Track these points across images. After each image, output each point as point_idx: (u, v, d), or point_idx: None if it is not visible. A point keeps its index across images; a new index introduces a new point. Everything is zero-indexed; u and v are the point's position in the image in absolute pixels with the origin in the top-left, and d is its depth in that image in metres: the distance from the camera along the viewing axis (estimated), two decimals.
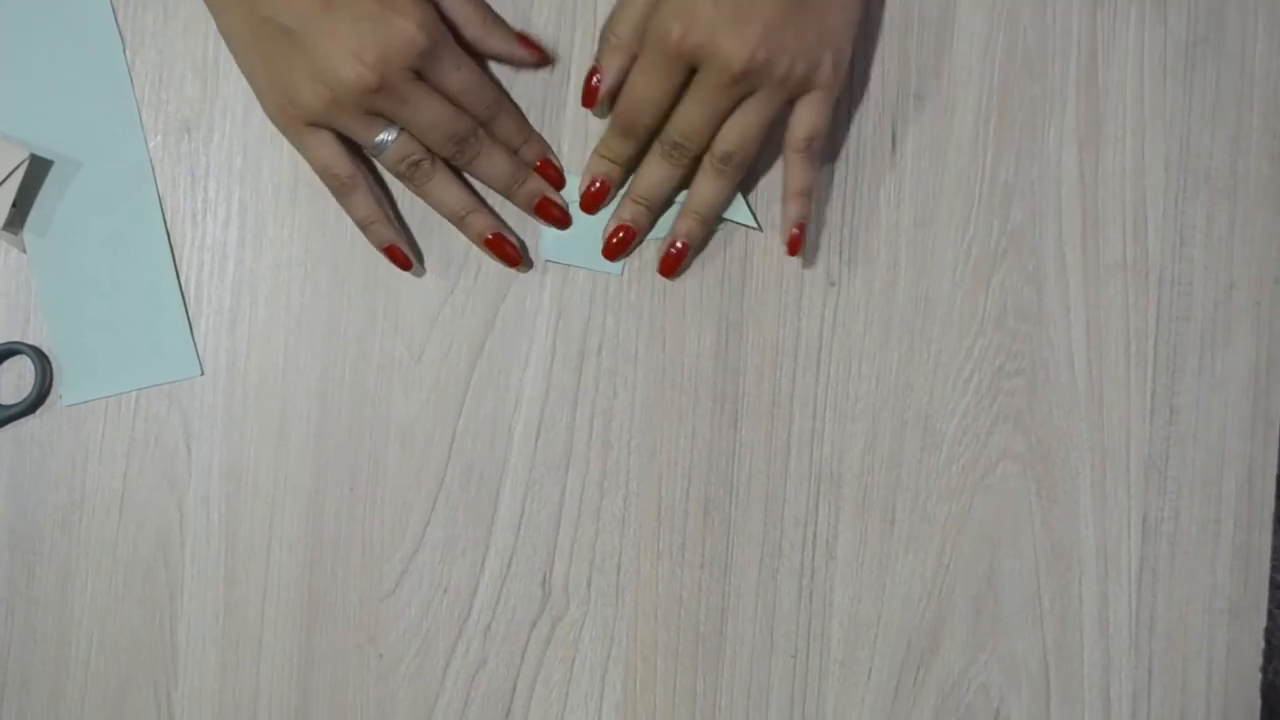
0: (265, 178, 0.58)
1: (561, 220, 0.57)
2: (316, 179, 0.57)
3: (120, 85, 0.58)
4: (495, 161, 0.56)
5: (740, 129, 0.53)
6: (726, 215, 0.57)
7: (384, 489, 0.58)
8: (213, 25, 0.57)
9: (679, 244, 0.57)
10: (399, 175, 0.55)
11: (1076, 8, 0.58)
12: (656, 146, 0.55)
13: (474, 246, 0.58)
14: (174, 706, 0.58)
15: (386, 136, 0.53)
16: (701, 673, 0.58)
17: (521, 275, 0.58)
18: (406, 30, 0.51)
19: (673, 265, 0.57)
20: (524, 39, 0.57)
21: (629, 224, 0.57)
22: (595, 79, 0.55)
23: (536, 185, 0.57)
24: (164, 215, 0.58)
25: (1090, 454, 0.57)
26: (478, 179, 0.57)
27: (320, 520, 0.58)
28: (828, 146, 0.57)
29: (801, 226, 0.56)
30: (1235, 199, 0.57)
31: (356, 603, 0.58)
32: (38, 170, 0.58)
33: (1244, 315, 0.57)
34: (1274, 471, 0.58)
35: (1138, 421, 0.57)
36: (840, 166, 0.58)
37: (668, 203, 0.57)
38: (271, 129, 0.58)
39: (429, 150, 0.54)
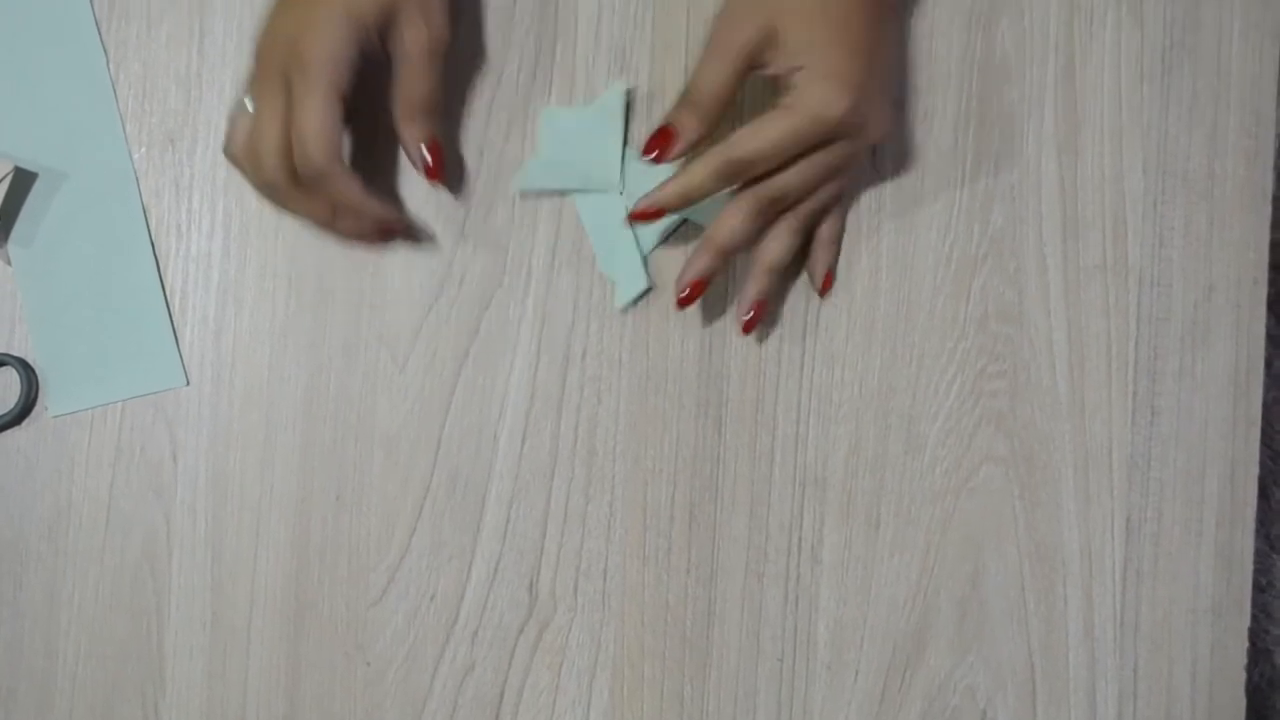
0: (249, 188, 0.58)
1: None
2: None
3: (104, 97, 0.59)
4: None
5: (823, 194, 0.55)
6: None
7: (370, 497, 0.58)
8: (196, 37, 0.57)
9: (760, 301, 0.56)
10: None
11: (1053, 13, 0.58)
12: (750, 198, 0.53)
13: (459, 255, 0.58)
14: (162, 716, 0.58)
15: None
16: (688, 677, 0.58)
17: (505, 283, 0.58)
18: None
19: (754, 326, 0.56)
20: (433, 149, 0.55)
21: (705, 277, 0.54)
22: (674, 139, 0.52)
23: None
24: (148, 226, 0.59)
25: (1073, 455, 0.58)
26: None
27: (306, 529, 0.58)
28: None
29: (831, 272, 0.57)
30: (1213, 201, 0.58)
31: (343, 610, 0.58)
32: (22, 182, 0.58)
33: (1223, 316, 0.58)
34: (1256, 472, 0.58)
35: (1119, 423, 0.58)
36: None
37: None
38: None
39: None
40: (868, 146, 0.55)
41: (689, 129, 0.52)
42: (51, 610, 0.58)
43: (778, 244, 0.54)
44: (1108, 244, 0.58)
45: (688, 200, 0.52)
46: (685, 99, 0.52)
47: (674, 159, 0.52)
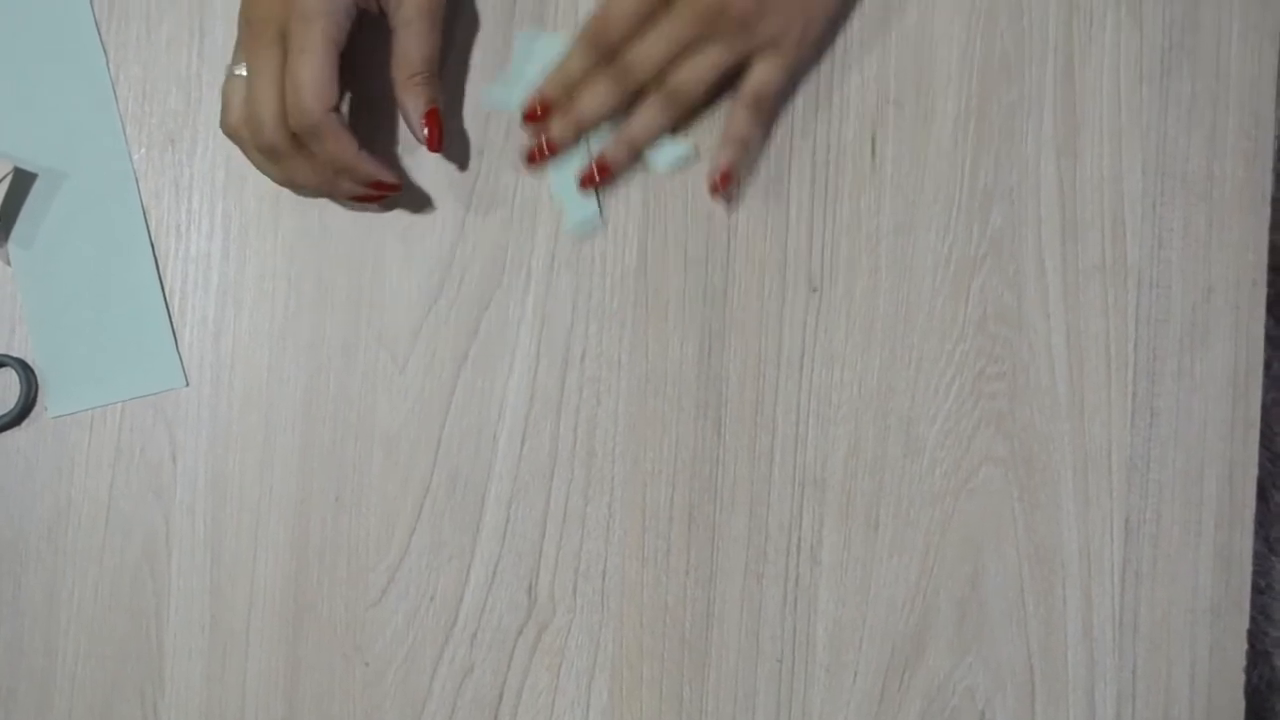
0: (249, 189, 0.59)
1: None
2: None
3: (104, 98, 0.59)
4: None
5: (693, 67, 0.54)
6: (664, 160, 0.58)
7: (369, 498, 0.58)
8: (196, 38, 0.57)
9: (604, 164, 0.57)
10: None
11: (1053, 13, 0.58)
12: (604, 69, 0.55)
13: (458, 256, 0.58)
14: (161, 716, 0.58)
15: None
16: (687, 678, 0.58)
17: (505, 284, 0.58)
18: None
19: (590, 183, 0.57)
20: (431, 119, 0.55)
21: (554, 140, 0.57)
22: None
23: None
24: (148, 227, 0.59)
25: (1072, 456, 0.58)
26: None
27: (305, 530, 0.58)
28: (780, 112, 0.57)
29: (728, 171, 0.56)
30: (1212, 202, 0.58)
31: (342, 611, 0.58)
32: (22, 183, 0.58)
33: (1222, 317, 0.58)
34: (1255, 473, 0.58)
35: (1118, 424, 0.58)
36: (820, 173, 0.58)
37: (594, 127, 0.57)
38: None
39: None
40: (776, 50, 0.55)
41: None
42: (51, 610, 0.58)
43: (638, 117, 0.56)
44: (1107, 245, 0.58)
45: (564, 84, 0.56)
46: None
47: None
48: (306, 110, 0.51)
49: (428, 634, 0.58)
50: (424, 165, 0.59)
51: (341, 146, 0.53)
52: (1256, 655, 0.87)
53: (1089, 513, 0.57)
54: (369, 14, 0.53)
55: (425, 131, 0.54)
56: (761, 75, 0.55)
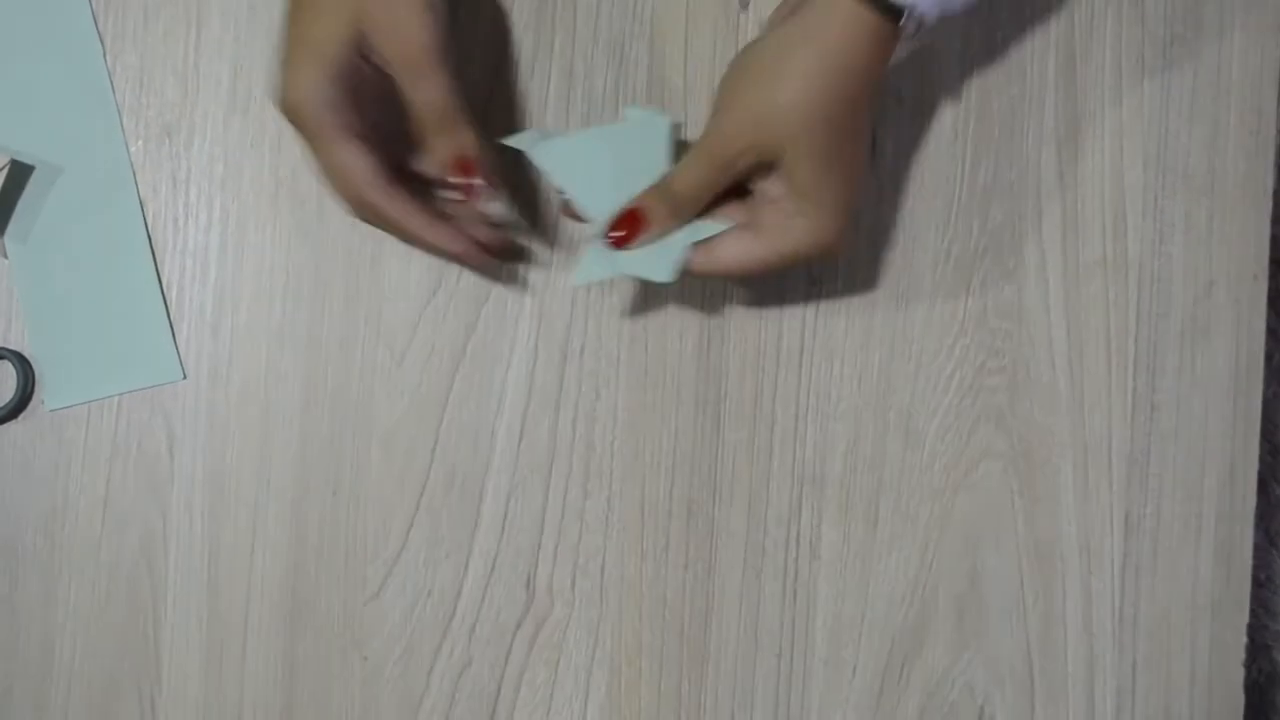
0: (246, 182, 0.58)
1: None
2: (298, 185, 0.58)
3: (101, 90, 0.58)
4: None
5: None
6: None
7: (367, 492, 0.58)
8: (193, 29, 0.57)
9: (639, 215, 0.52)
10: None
11: (1054, 7, 0.58)
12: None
13: None
14: (158, 711, 0.58)
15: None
16: (686, 673, 0.58)
17: (504, 278, 0.58)
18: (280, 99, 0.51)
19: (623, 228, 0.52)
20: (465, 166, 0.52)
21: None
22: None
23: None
24: (145, 220, 0.58)
25: (1072, 451, 0.57)
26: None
27: (303, 524, 0.58)
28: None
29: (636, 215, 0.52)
30: (1214, 196, 0.58)
31: (340, 606, 0.58)
32: (18, 175, 0.58)
33: (1223, 312, 0.57)
34: (1255, 467, 0.58)
35: (1119, 419, 0.57)
36: None
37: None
38: (252, 134, 0.58)
39: None
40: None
41: (659, 220, 0.51)
42: (48, 606, 0.58)
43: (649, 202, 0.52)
44: (1108, 240, 0.58)
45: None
46: (663, 188, 0.51)
47: (637, 246, 0.51)
48: (348, 207, 0.51)
49: (426, 628, 0.58)
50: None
51: (396, 222, 0.51)
52: (1256, 649, 0.87)
53: (1089, 507, 0.57)
54: (370, 78, 0.51)
55: (457, 184, 0.52)
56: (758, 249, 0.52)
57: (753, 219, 0.51)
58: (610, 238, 0.51)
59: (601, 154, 0.53)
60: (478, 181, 0.51)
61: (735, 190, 0.52)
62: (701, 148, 0.50)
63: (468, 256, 0.53)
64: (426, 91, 0.50)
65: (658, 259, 0.52)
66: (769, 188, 0.51)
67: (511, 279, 0.58)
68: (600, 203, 0.52)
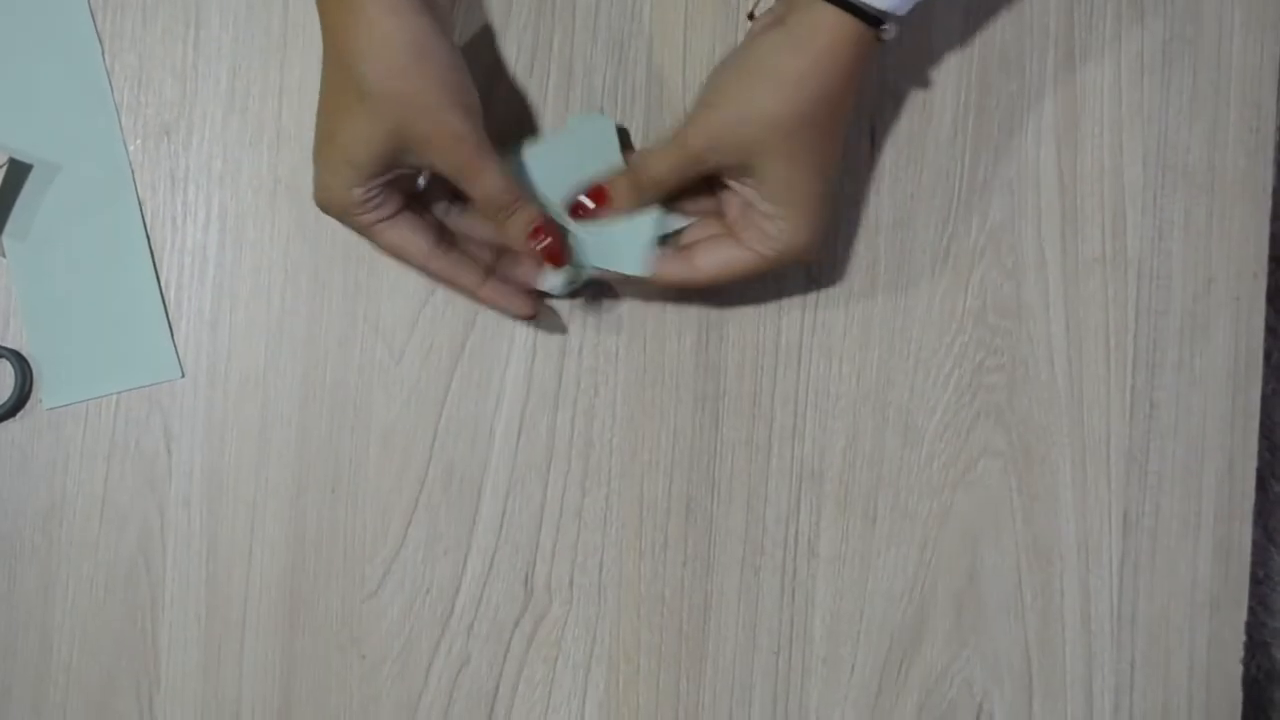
0: (245, 181, 0.58)
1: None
2: (296, 183, 0.58)
3: (99, 89, 0.58)
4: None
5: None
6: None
7: (365, 490, 0.58)
8: (191, 29, 0.57)
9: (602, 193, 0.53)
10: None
11: (1053, 4, 0.58)
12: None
13: None
14: (156, 709, 0.58)
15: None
16: (684, 670, 0.58)
17: None
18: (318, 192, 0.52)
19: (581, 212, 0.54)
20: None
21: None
22: None
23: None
24: (144, 219, 0.58)
25: (1070, 449, 0.57)
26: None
27: (302, 522, 0.58)
28: None
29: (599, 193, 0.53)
30: (1213, 193, 0.57)
31: (339, 604, 0.58)
32: (16, 174, 0.58)
33: (1223, 309, 0.57)
34: (1254, 465, 0.58)
35: (1117, 416, 0.57)
36: None
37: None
38: (250, 132, 0.58)
39: None
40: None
41: (622, 201, 0.53)
42: (46, 604, 0.58)
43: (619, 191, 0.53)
44: (1107, 237, 0.57)
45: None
46: (631, 168, 0.53)
47: (602, 220, 0.53)
48: (418, 270, 0.53)
49: (424, 626, 0.58)
50: None
51: (456, 283, 0.53)
52: (1255, 646, 0.87)
53: (1088, 505, 0.57)
54: (413, 168, 0.51)
55: (544, 244, 0.52)
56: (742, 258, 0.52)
57: (730, 225, 0.53)
58: (576, 207, 0.53)
59: (556, 160, 0.54)
60: (553, 240, 0.52)
61: (705, 188, 0.54)
62: (676, 137, 0.51)
63: (532, 313, 0.55)
64: (484, 187, 0.51)
65: (626, 250, 0.53)
66: (744, 190, 0.52)
67: None
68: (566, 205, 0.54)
